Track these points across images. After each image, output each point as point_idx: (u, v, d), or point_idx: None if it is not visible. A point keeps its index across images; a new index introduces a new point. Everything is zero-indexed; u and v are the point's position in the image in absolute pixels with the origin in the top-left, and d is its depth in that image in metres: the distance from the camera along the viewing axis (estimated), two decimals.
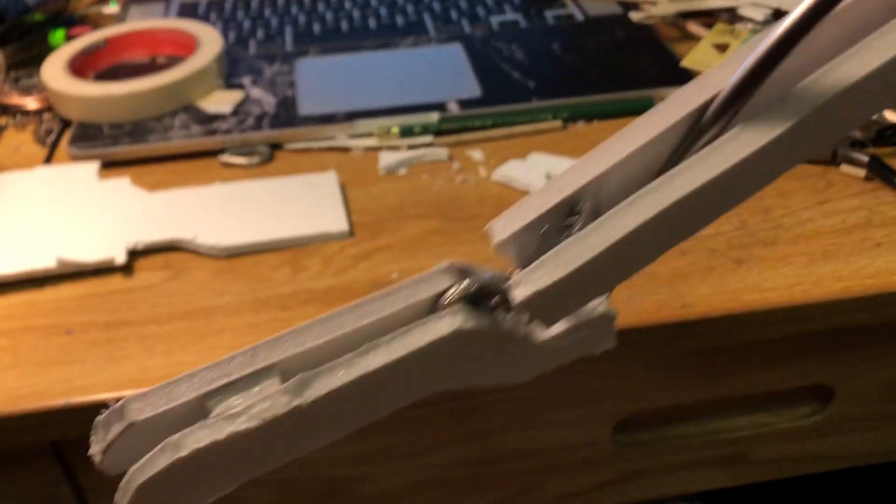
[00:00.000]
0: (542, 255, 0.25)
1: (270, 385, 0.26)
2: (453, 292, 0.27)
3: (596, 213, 0.26)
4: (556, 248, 0.25)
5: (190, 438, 0.25)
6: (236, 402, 0.25)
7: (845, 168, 0.58)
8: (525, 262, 0.26)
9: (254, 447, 0.26)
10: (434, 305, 0.27)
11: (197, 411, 0.25)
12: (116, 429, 0.25)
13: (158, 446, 0.25)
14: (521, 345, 0.29)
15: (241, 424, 0.25)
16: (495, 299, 0.27)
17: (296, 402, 0.25)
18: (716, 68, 0.26)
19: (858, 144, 0.58)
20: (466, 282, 0.27)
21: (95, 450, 0.26)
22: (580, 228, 0.26)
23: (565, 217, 0.26)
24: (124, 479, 0.25)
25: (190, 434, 0.25)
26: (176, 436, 0.25)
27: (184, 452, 0.24)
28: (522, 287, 0.25)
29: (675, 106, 0.26)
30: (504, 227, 0.26)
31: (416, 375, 0.27)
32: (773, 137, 0.24)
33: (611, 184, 0.26)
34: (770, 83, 0.24)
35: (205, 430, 0.25)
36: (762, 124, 0.24)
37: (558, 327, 0.30)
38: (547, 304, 0.26)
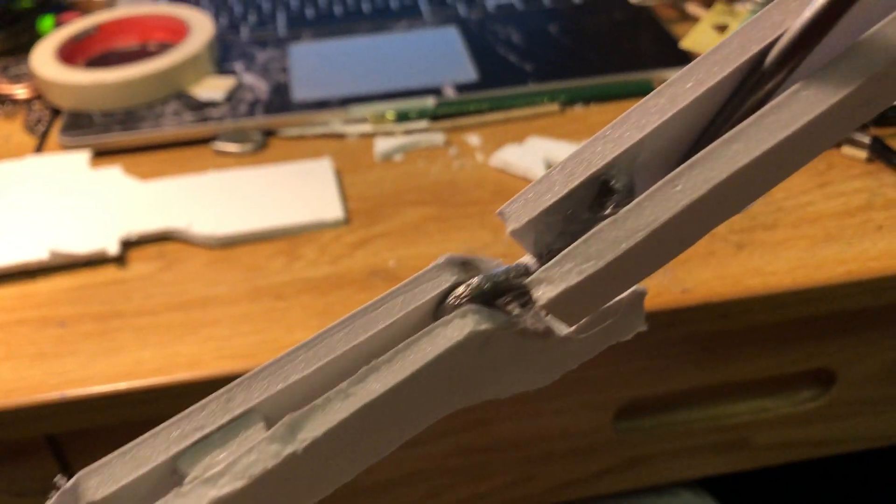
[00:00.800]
0: (566, 243, 0.21)
1: (254, 433, 0.21)
2: (462, 292, 0.23)
3: (630, 191, 0.22)
4: (585, 237, 0.21)
5: None
6: (216, 459, 0.21)
7: (847, 150, 0.57)
8: (544, 252, 0.22)
9: None
10: (438, 310, 0.23)
11: (169, 478, 0.21)
12: None
13: None
14: (543, 343, 0.25)
15: (224, 487, 0.20)
16: (508, 297, 0.23)
17: (288, 451, 0.20)
18: (777, 4, 0.21)
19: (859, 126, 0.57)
20: (477, 279, 0.23)
21: None
22: (613, 211, 0.21)
23: (594, 197, 0.22)
24: None
25: None
26: None
27: None
28: (547, 286, 0.22)
29: (727, 52, 0.21)
30: (520, 210, 0.22)
31: (429, 395, 0.23)
32: (844, 95, 0.20)
33: (648, 153, 0.22)
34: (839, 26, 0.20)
35: (181, 499, 0.20)
36: (831, 77, 0.20)
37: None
38: (574, 302, 0.22)
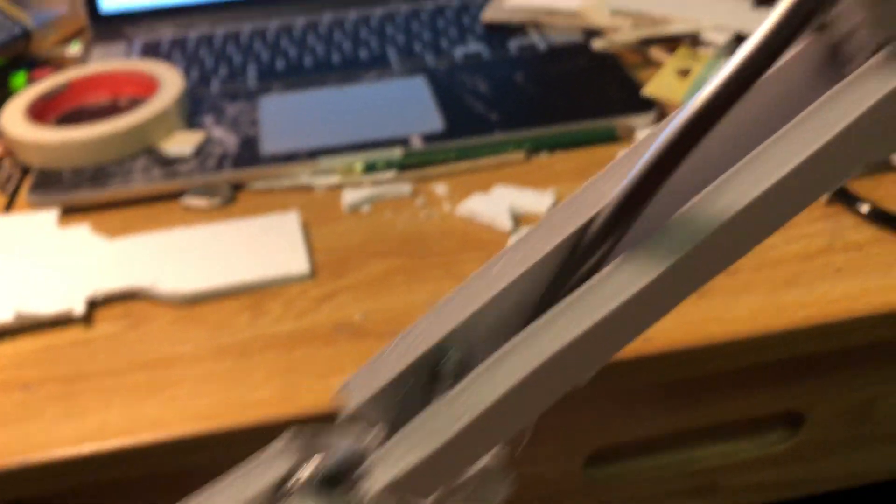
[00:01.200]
0: (407, 419, 0.22)
1: None
2: (301, 476, 0.22)
3: (466, 366, 0.22)
4: (418, 418, 0.22)
5: None
6: None
7: None
8: (393, 423, 0.22)
9: None
10: (276, 496, 0.23)
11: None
12: None
13: None
14: None
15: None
16: (355, 475, 0.22)
17: None
18: (598, 179, 0.23)
19: None
20: (314, 463, 0.22)
21: None
22: (447, 387, 0.22)
23: (431, 371, 0.23)
24: None
25: None
26: None
27: None
28: (381, 471, 0.21)
29: (551, 229, 0.23)
30: (360, 387, 0.22)
31: None
32: (659, 273, 0.21)
33: (482, 326, 0.23)
34: (656, 200, 0.21)
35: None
36: (646, 256, 0.21)
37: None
38: (416, 481, 0.22)
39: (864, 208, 0.56)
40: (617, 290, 0.21)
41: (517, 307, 0.23)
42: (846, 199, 0.56)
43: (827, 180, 0.22)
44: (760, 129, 0.21)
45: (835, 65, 0.22)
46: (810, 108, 0.21)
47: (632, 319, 0.22)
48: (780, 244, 0.54)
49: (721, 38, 0.74)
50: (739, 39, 0.74)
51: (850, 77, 0.21)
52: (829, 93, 0.21)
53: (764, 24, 0.19)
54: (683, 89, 0.69)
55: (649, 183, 0.20)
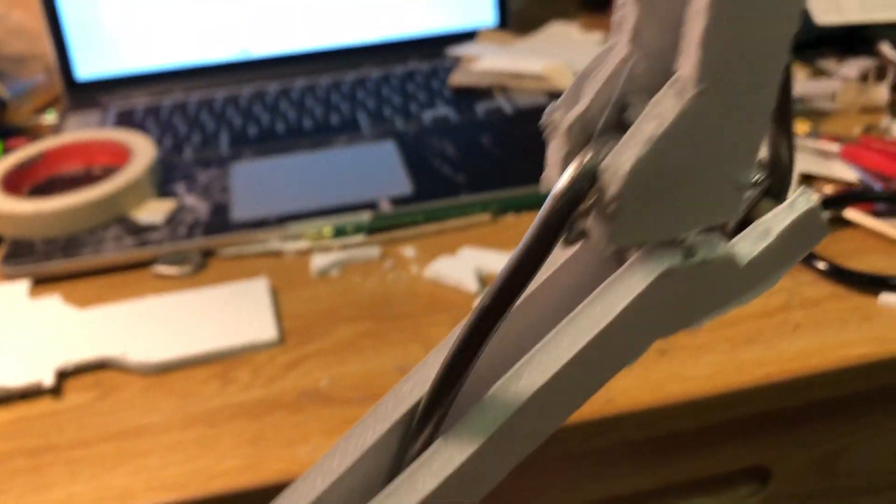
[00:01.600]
0: None
1: None
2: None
3: None
4: None
5: None
6: None
7: None
8: None
9: None
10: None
11: None
12: None
13: None
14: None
15: None
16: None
17: None
18: (421, 365, 0.26)
19: None
20: None
21: None
22: None
23: None
24: None
25: None
26: None
27: None
28: None
29: (384, 413, 0.25)
30: None
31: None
32: (474, 450, 0.24)
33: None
34: (476, 376, 0.24)
35: None
36: (462, 435, 0.24)
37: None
38: None
39: (822, 265, 0.57)
40: (433, 472, 0.24)
41: (366, 484, 0.25)
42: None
43: (607, 366, 0.25)
44: (559, 315, 0.24)
45: (618, 256, 0.25)
46: (584, 302, 0.24)
47: (467, 485, 0.24)
48: None
49: None
50: None
51: (612, 277, 0.24)
52: (596, 290, 0.24)
53: (521, 243, 0.23)
54: None
55: (452, 374, 0.24)
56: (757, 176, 0.26)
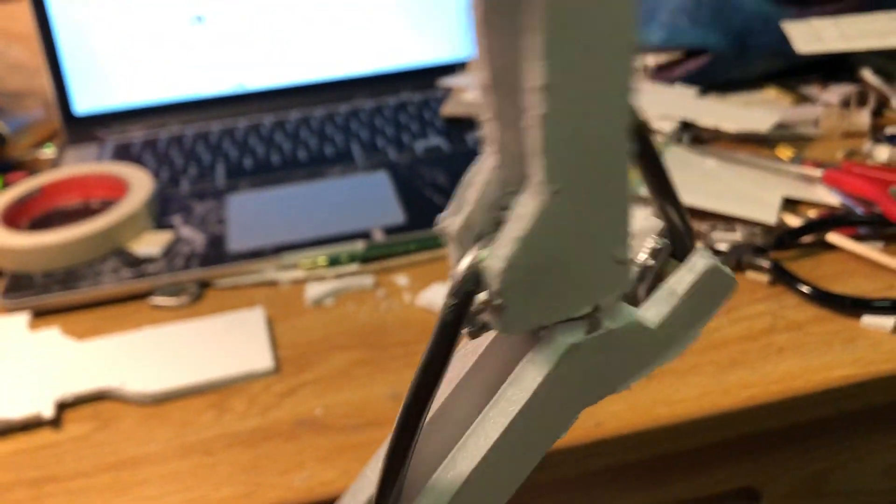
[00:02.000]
0: None
1: None
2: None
3: None
4: None
5: None
6: None
7: (750, 274, 0.61)
8: None
9: None
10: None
11: None
12: None
13: None
14: None
15: None
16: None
17: None
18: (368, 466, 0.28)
19: (760, 251, 0.61)
20: None
21: None
22: None
23: None
24: None
25: None
26: None
27: None
28: None
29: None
30: None
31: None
32: None
33: None
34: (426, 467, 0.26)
35: None
36: None
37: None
38: None
39: (805, 289, 0.58)
40: None
41: None
42: (787, 279, 0.59)
43: (538, 441, 0.26)
44: (491, 396, 0.26)
45: (534, 332, 0.27)
46: (503, 385, 0.26)
47: None
48: (725, 325, 0.57)
49: (668, 127, 0.77)
50: (685, 127, 0.78)
51: (525, 358, 0.26)
52: (513, 373, 0.26)
53: (428, 343, 0.25)
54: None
55: (390, 472, 0.26)
56: (656, 244, 0.28)
